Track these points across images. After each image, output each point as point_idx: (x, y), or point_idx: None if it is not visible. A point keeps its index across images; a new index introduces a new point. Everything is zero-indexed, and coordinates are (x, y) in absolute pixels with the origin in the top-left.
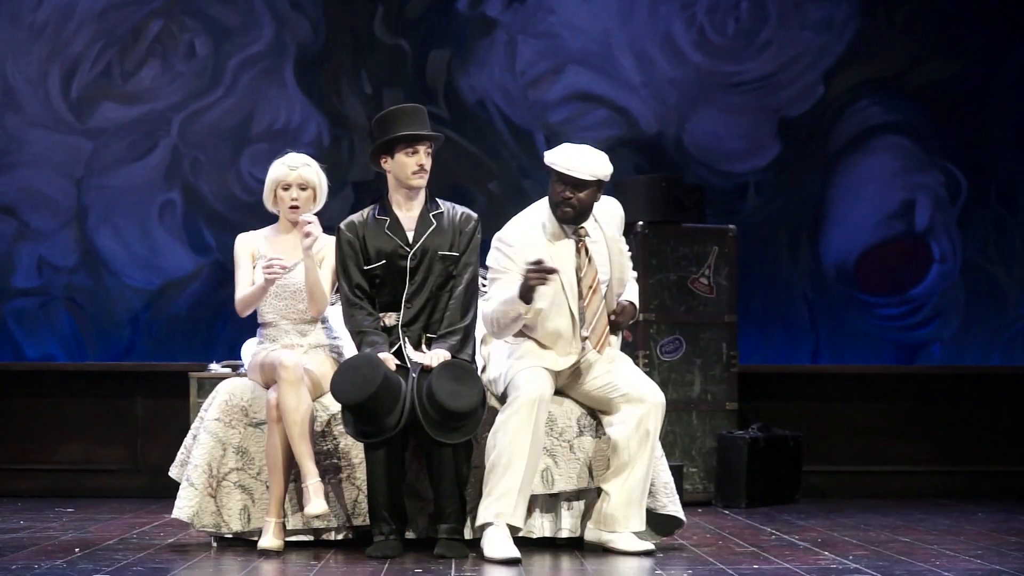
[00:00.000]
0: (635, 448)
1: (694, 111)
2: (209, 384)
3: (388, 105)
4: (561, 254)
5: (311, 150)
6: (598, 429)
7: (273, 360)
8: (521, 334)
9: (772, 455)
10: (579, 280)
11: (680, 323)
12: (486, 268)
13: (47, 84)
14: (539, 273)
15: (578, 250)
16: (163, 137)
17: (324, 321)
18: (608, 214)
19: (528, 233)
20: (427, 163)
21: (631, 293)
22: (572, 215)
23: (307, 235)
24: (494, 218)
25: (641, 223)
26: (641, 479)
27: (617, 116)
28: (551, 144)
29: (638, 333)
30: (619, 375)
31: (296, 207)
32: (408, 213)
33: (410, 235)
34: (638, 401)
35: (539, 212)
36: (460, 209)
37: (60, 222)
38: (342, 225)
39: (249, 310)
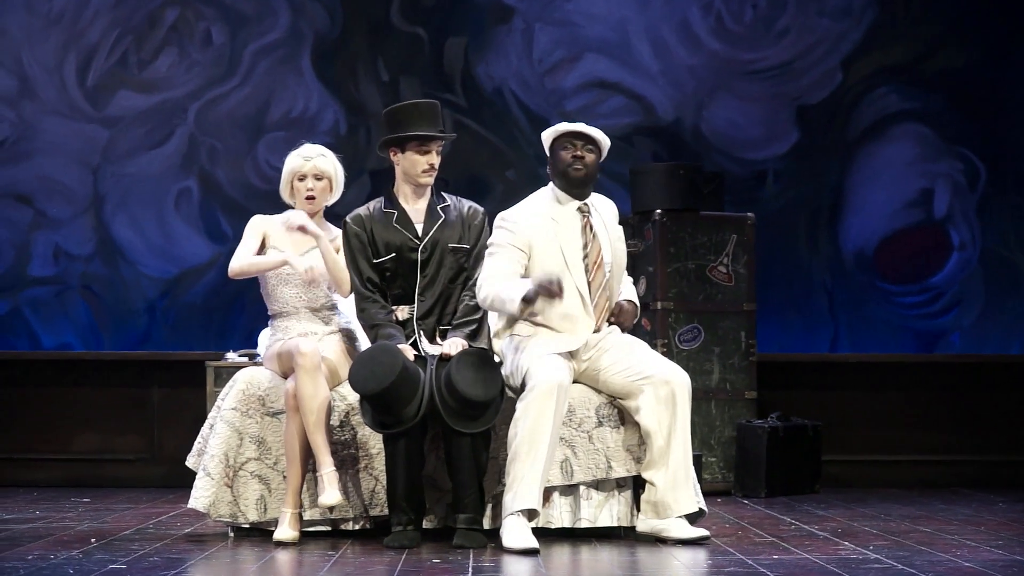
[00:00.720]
0: (668, 430)
1: (712, 98)
2: (226, 373)
3: (405, 93)
4: (566, 230)
5: (328, 138)
6: (618, 419)
7: (291, 348)
8: (531, 323)
9: (791, 444)
10: (586, 255)
11: (699, 312)
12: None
13: (63, 72)
14: (552, 290)
15: (583, 227)
16: (180, 125)
17: (334, 307)
18: (606, 206)
19: (532, 211)
20: (437, 162)
21: (629, 292)
22: (584, 173)
23: (300, 228)
24: (512, 206)
25: (659, 211)
26: (682, 459)
27: (634, 104)
28: None
29: (656, 321)
30: (639, 359)
31: (312, 197)
32: (415, 206)
33: (419, 228)
34: (663, 383)
35: (542, 194)
36: (466, 203)
37: (76, 210)
38: (348, 219)
39: (242, 276)
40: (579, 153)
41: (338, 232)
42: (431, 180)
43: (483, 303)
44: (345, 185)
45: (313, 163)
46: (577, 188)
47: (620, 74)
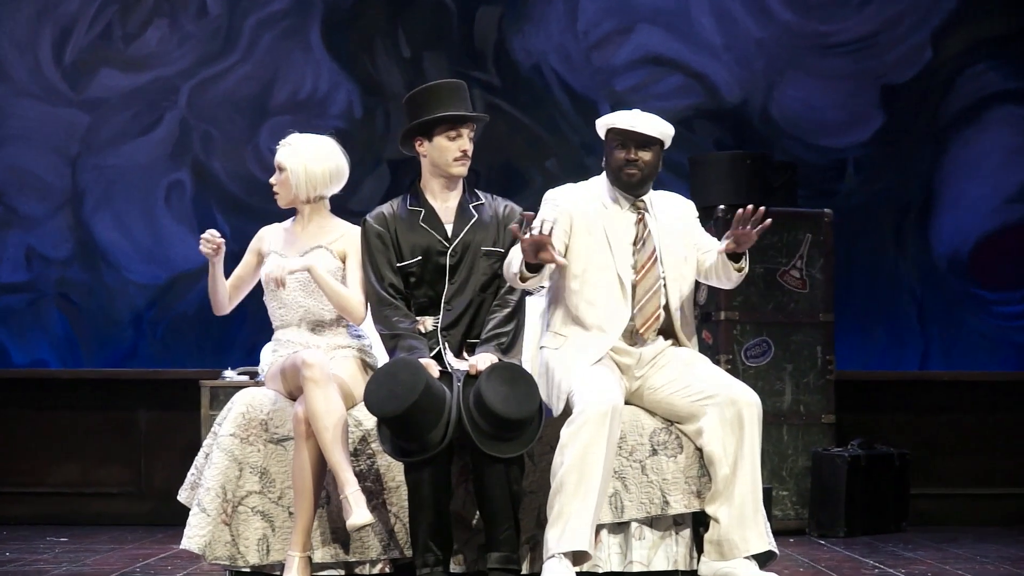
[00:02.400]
0: (735, 457)
1: (783, 77)
2: (223, 394)
3: (430, 71)
4: (617, 223)
5: (340, 123)
6: (676, 446)
7: (295, 361)
8: (567, 321)
9: (875, 476)
10: (636, 253)
11: (768, 323)
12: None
13: (37, 48)
14: (538, 238)
15: (637, 222)
16: (170, 109)
17: (342, 319)
18: (679, 207)
19: (584, 191)
20: (470, 148)
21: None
22: (638, 177)
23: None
24: None
25: (722, 207)
26: (750, 491)
27: (694, 83)
28: None
29: (719, 334)
30: (700, 376)
31: (276, 192)
32: (445, 204)
33: (448, 228)
34: (729, 403)
35: (595, 183)
36: (501, 201)
37: (52, 207)
38: (369, 218)
39: (219, 307)
40: (633, 156)
41: (345, 231)
42: (464, 170)
43: (504, 269)
44: (361, 177)
45: (278, 153)
46: (630, 191)
47: (678, 49)
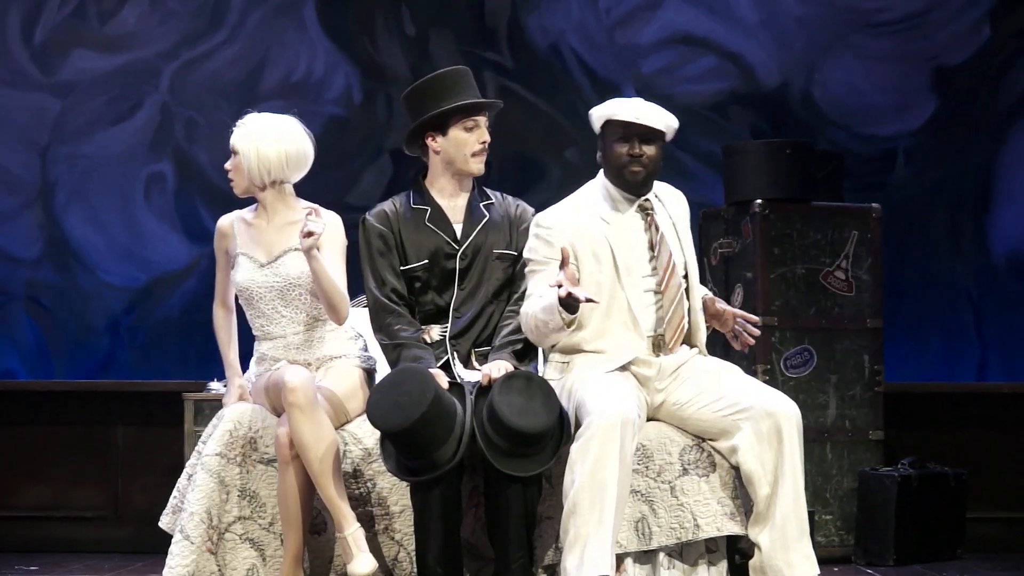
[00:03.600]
0: (774, 474)
1: (827, 58)
2: (209, 408)
3: (436, 51)
4: (622, 232)
5: (337, 108)
6: (708, 464)
7: (277, 381)
8: (571, 351)
9: (928, 498)
10: (654, 258)
11: (810, 329)
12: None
13: (4, 27)
14: (569, 283)
15: (648, 225)
16: (150, 93)
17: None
18: (676, 200)
19: (575, 211)
20: (489, 139)
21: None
22: (643, 174)
23: (308, 234)
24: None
25: (759, 202)
26: (792, 509)
27: (729, 65)
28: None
29: (757, 342)
30: (731, 387)
31: (231, 179)
32: (454, 202)
33: (458, 229)
34: (764, 415)
35: (587, 193)
36: (512, 200)
37: (20, 202)
38: (370, 216)
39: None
40: (637, 151)
41: (328, 221)
42: (483, 166)
43: (527, 330)
44: (361, 168)
45: (232, 135)
46: (633, 189)
47: (710, 27)
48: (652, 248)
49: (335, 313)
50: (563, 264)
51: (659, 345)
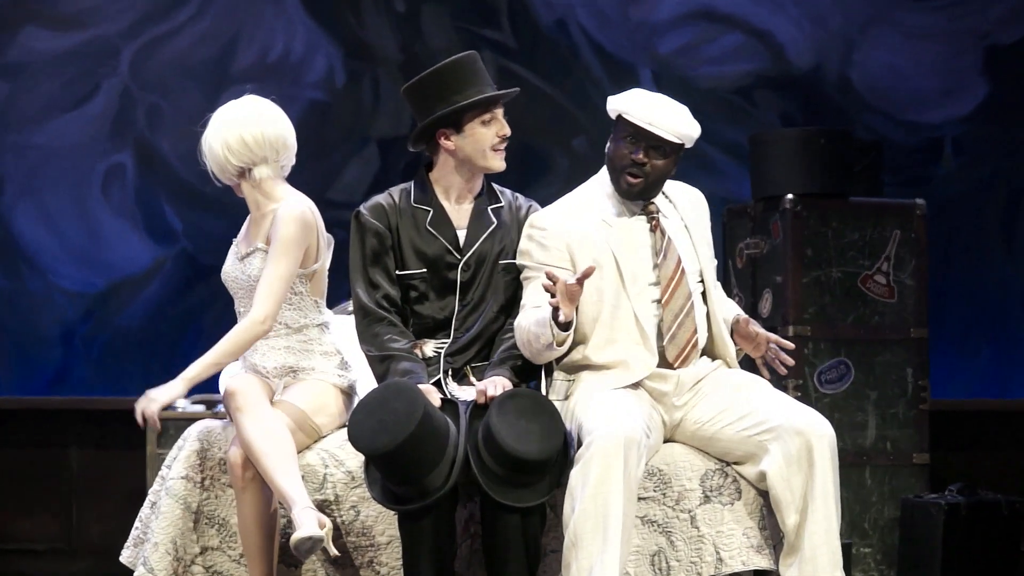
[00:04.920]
0: (804, 500)
1: (866, 36)
2: (174, 428)
3: (429, 29)
4: (626, 235)
5: (318, 92)
6: (733, 491)
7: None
8: (575, 368)
9: (978, 528)
10: (657, 267)
11: (847, 340)
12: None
13: None
14: (565, 288)
15: (652, 229)
16: (109, 76)
17: (321, 327)
18: (691, 201)
19: (574, 212)
20: (508, 132)
21: (735, 309)
22: (639, 187)
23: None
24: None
25: (790, 197)
26: (824, 541)
27: (756, 44)
28: (661, 84)
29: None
30: (757, 404)
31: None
32: (459, 204)
33: (461, 236)
34: (794, 434)
35: (588, 190)
36: (524, 200)
37: None
38: (364, 210)
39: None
40: (640, 158)
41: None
42: (503, 161)
43: (520, 344)
44: (344, 159)
45: None
46: (628, 197)
47: (736, 1)
48: (657, 255)
49: (254, 340)
50: (580, 279)
51: (672, 361)
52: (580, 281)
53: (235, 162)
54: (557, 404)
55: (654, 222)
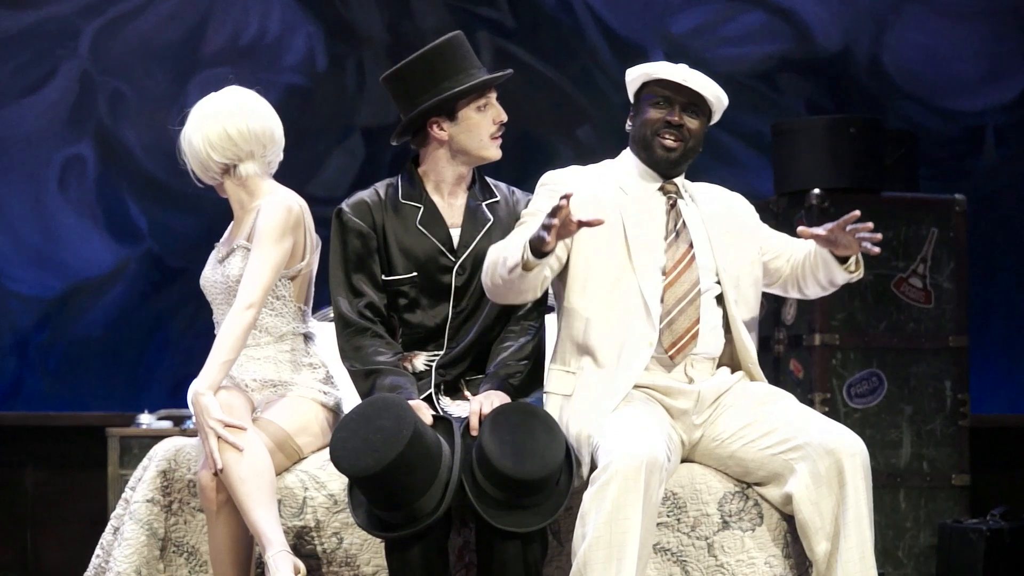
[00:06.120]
0: (834, 526)
1: (899, 15)
2: (138, 446)
3: (419, 7)
4: (640, 211)
5: (298, 77)
6: (755, 516)
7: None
8: (576, 351)
9: (1023, 556)
10: (668, 247)
11: (879, 349)
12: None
13: None
14: (561, 215)
15: (670, 207)
16: (67, 58)
17: (306, 338)
18: (720, 198)
19: (593, 174)
20: (505, 118)
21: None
22: (679, 151)
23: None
24: None
25: (817, 192)
26: (858, 570)
27: (780, 24)
28: None
29: (813, 365)
30: (782, 419)
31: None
32: (452, 200)
33: (455, 235)
34: (823, 454)
35: (608, 165)
36: (522, 195)
37: None
38: (347, 208)
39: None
40: (676, 118)
41: (259, 208)
42: (499, 149)
43: (485, 274)
44: (326, 150)
45: None
46: (662, 168)
47: None
48: (667, 236)
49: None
50: (583, 221)
51: (661, 359)
52: (582, 223)
53: (218, 159)
54: (555, 403)
55: (671, 204)
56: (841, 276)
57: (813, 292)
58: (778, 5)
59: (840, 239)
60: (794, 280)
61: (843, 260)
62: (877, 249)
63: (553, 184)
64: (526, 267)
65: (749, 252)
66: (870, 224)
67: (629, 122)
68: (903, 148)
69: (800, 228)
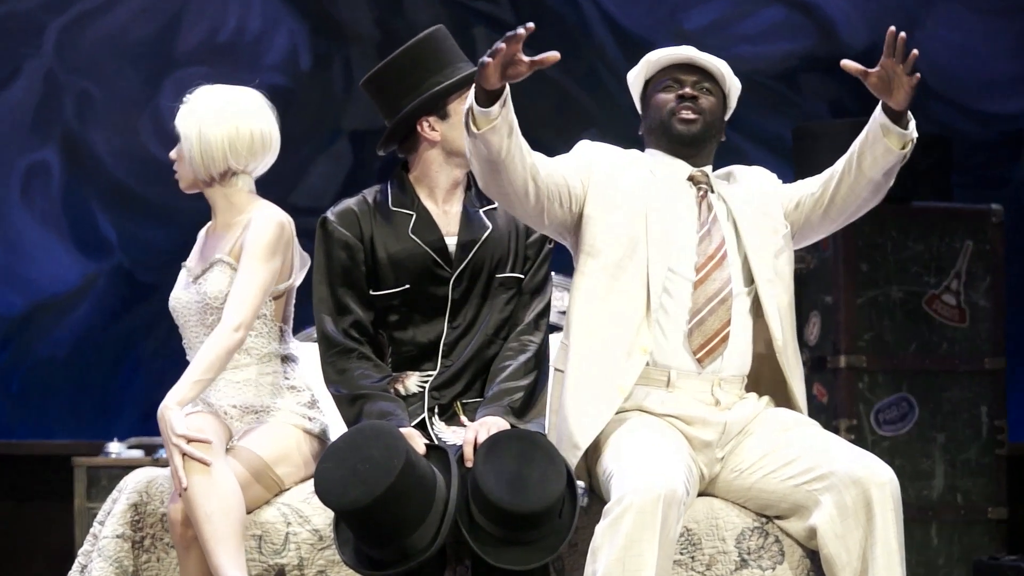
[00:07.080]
0: (863, 561)
1: (929, 10)
2: (107, 477)
3: (409, 3)
4: (669, 198)
5: (279, 76)
6: (777, 552)
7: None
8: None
9: None
10: (699, 242)
11: (910, 372)
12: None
13: None
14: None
15: (699, 200)
16: (31, 57)
17: (286, 360)
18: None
19: (623, 155)
20: None
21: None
22: (699, 124)
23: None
24: None
25: None
26: None
27: (802, 19)
28: None
29: (838, 389)
30: (806, 447)
31: (175, 171)
32: (446, 207)
33: (451, 244)
34: (850, 484)
35: (638, 153)
36: None
37: None
38: (332, 217)
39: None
40: (688, 91)
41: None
42: None
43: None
44: (311, 156)
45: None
46: (687, 147)
47: None
48: (700, 230)
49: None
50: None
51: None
52: (534, 63)
53: (231, 161)
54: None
55: (702, 194)
56: (896, 139)
57: (845, 210)
58: (800, 0)
59: (890, 70)
60: (832, 196)
61: (896, 119)
62: (914, 54)
63: (581, 151)
64: (476, 124)
65: (777, 239)
66: (903, 34)
67: (641, 125)
68: (935, 154)
69: (844, 62)
